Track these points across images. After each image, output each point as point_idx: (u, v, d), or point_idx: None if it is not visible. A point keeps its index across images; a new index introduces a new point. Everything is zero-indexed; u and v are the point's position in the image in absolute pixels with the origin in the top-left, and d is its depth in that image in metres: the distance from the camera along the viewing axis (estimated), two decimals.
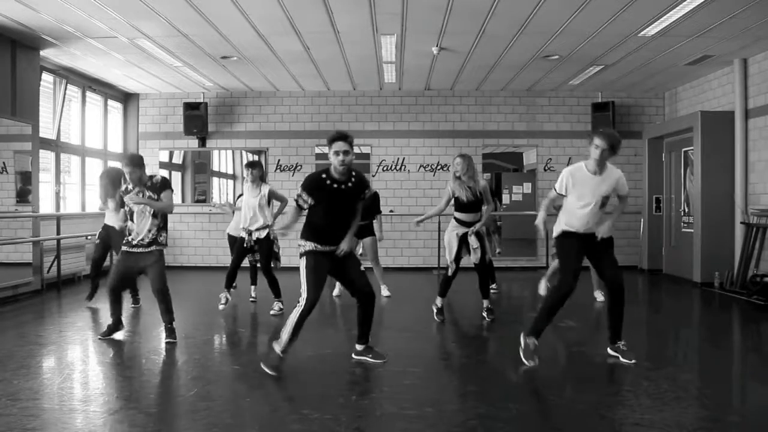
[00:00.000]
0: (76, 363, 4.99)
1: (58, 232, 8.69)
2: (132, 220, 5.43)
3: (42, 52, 8.31)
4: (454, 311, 7.23)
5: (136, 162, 5.41)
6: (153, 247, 5.42)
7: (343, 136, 4.47)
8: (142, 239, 5.40)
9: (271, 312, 6.75)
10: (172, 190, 5.55)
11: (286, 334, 4.42)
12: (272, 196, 6.90)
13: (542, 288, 7.56)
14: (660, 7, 6.55)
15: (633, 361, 4.68)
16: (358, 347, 4.84)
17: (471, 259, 6.24)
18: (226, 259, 10.78)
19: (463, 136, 11.18)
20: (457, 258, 6.22)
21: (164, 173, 11.56)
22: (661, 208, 10.63)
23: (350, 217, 4.66)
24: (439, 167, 11.05)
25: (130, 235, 5.47)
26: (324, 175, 4.52)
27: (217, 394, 4.09)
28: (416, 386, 4.24)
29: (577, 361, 5.04)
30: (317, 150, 11.10)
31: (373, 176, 11.03)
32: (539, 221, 4.82)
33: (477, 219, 6.24)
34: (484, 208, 6.24)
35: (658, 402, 3.82)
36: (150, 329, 6.13)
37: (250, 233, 6.83)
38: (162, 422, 3.52)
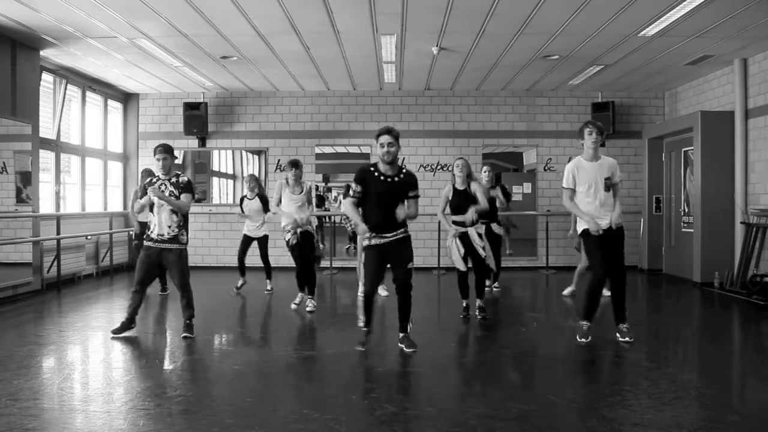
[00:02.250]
0: (76, 363, 4.99)
1: (58, 232, 8.68)
2: (152, 212, 5.55)
3: (42, 52, 8.31)
4: (453, 312, 7.22)
5: (169, 150, 5.60)
6: (174, 245, 5.52)
7: (387, 130, 4.95)
8: (162, 233, 5.49)
9: (308, 308, 6.93)
10: (193, 195, 5.68)
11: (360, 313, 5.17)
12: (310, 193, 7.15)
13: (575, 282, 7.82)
14: (660, 7, 6.56)
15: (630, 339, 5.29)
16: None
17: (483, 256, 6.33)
18: (227, 259, 10.90)
19: (463, 136, 11.17)
20: (466, 257, 6.35)
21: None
22: (661, 208, 10.62)
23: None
24: (439, 167, 11.05)
25: (149, 229, 5.60)
26: (372, 168, 5.00)
27: (217, 394, 4.10)
28: (416, 386, 4.24)
29: (577, 360, 5.04)
30: (317, 150, 11.08)
31: None
32: (573, 232, 5.36)
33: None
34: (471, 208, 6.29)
35: (658, 402, 3.81)
36: (150, 329, 6.14)
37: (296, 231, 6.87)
38: (162, 422, 3.52)
